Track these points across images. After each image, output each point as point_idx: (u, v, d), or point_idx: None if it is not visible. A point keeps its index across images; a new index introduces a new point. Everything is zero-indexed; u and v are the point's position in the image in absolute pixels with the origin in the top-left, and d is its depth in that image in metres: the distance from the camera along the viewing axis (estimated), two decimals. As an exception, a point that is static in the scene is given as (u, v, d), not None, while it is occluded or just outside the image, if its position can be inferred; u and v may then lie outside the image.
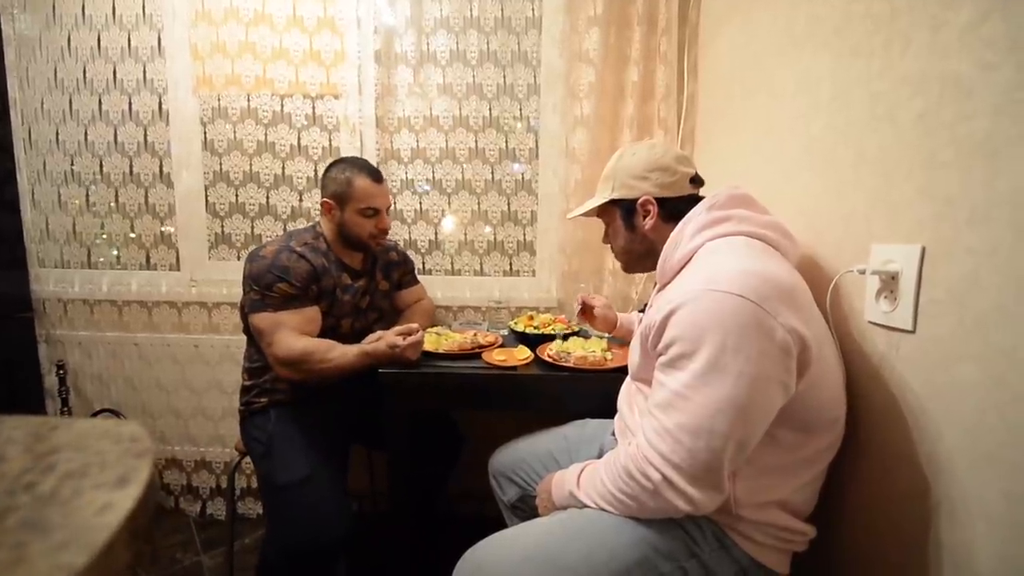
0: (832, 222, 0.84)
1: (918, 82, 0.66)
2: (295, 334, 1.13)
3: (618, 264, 1.53)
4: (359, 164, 1.26)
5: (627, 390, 0.92)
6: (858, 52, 0.78)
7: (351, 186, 1.22)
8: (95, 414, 1.67)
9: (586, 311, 1.26)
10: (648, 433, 0.67)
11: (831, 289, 0.78)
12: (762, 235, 0.75)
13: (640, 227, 0.85)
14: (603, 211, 0.91)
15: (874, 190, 0.74)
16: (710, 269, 0.69)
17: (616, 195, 0.86)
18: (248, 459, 1.29)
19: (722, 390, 0.61)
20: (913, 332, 0.66)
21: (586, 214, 0.96)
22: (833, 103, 0.85)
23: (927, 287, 0.64)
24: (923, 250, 0.64)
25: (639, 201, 0.84)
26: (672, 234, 0.79)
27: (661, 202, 0.83)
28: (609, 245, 0.95)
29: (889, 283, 0.69)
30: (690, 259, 0.76)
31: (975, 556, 0.58)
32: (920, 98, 0.66)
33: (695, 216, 0.78)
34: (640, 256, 0.89)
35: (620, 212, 0.88)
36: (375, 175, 1.25)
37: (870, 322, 0.74)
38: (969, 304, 0.58)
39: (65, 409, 1.65)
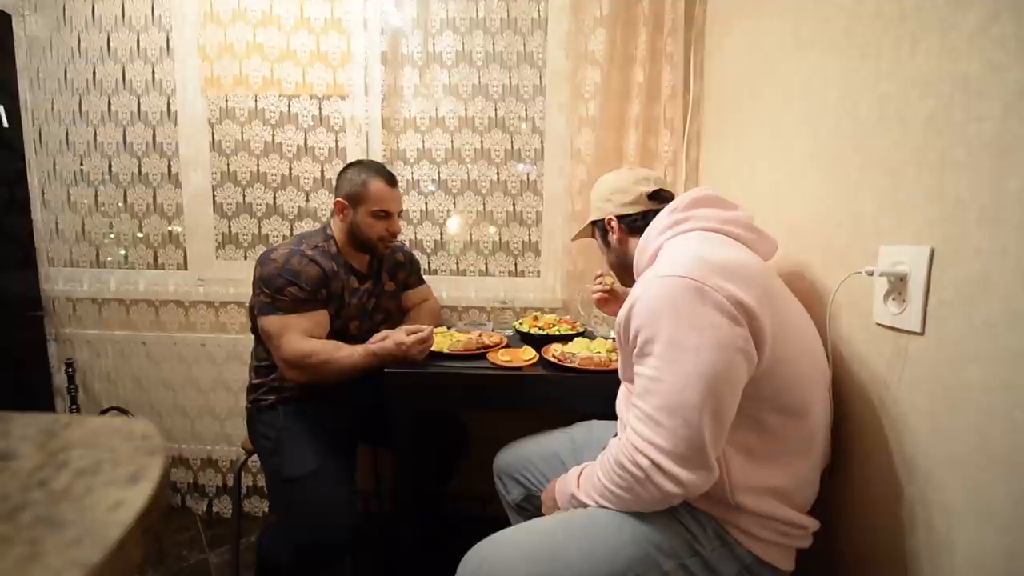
0: (839, 223, 0.84)
1: (927, 83, 0.66)
2: (303, 337, 1.14)
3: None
4: (375, 167, 1.28)
5: (622, 393, 0.94)
6: (867, 54, 0.78)
7: (366, 188, 1.23)
8: (103, 412, 1.68)
9: (609, 289, 1.23)
10: (632, 422, 0.69)
11: (837, 290, 0.77)
12: (723, 229, 0.80)
13: (612, 242, 0.97)
14: (593, 232, 1.05)
15: (882, 192, 0.74)
16: (662, 261, 0.77)
17: (593, 216, 1.01)
18: (254, 457, 1.30)
19: (685, 365, 0.65)
20: (922, 334, 0.66)
21: (587, 236, 1.11)
22: (841, 105, 0.84)
23: (936, 288, 0.64)
24: (932, 251, 0.64)
25: (605, 220, 0.96)
26: (640, 241, 0.88)
27: (621, 219, 0.94)
28: None
29: (897, 285, 0.68)
30: (655, 260, 0.82)
31: (981, 557, 0.58)
32: (929, 99, 0.66)
33: (657, 221, 0.85)
34: (620, 267, 1.00)
35: (598, 232, 1.01)
36: (390, 179, 1.27)
37: (878, 324, 0.74)
38: (978, 306, 0.58)
39: (74, 407, 1.67)
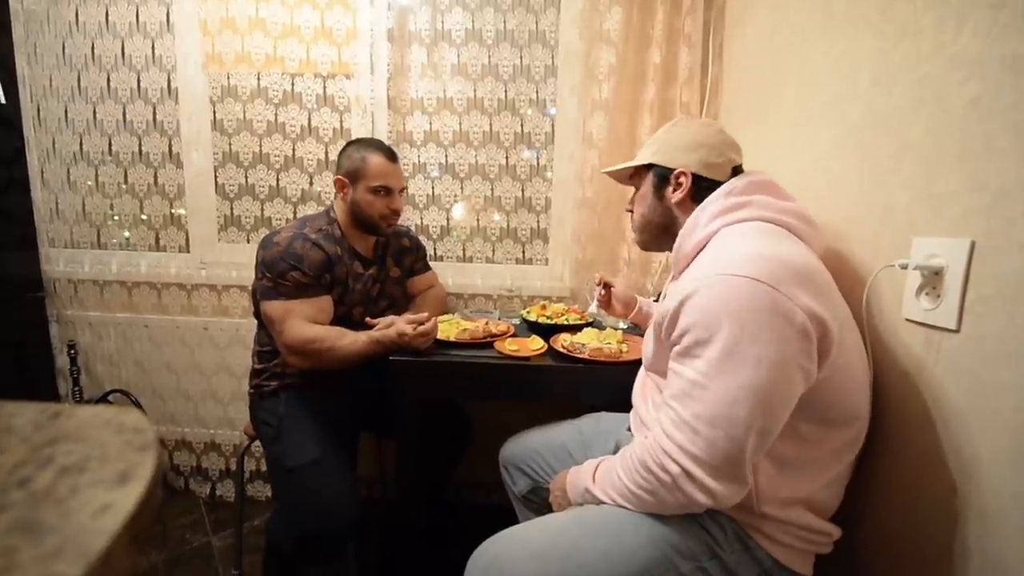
0: (868, 214, 0.80)
1: (973, 64, 0.62)
2: (305, 323, 1.12)
3: (634, 254, 1.52)
4: (375, 143, 1.25)
5: (641, 382, 0.90)
6: (904, 33, 0.74)
7: (364, 163, 1.20)
8: (106, 394, 1.67)
9: (606, 294, 1.22)
10: (665, 425, 0.65)
11: (870, 284, 0.74)
12: (780, 220, 0.73)
13: (667, 198, 0.82)
14: (637, 174, 0.89)
15: (917, 181, 0.70)
16: (724, 254, 0.67)
17: (656, 159, 0.83)
18: (257, 442, 1.29)
19: (740, 377, 0.59)
20: (957, 331, 0.62)
21: (620, 176, 0.93)
22: (874, 88, 0.80)
23: (975, 284, 0.60)
24: (972, 244, 0.60)
25: (675, 172, 0.81)
26: (688, 220, 0.77)
27: (696, 179, 0.79)
28: (631, 214, 0.92)
29: (932, 279, 0.65)
30: (704, 246, 0.75)
31: (1009, 561, 0.56)
32: (974, 81, 0.62)
33: (712, 202, 0.75)
34: (657, 229, 0.85)
35: (653, 179, 0.84)
36: (390, 154, 1.23)
37: (907, 319, 0.71)
38: (1021, 303, 0.55)
39: (77, 389, 1.66)
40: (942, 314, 0.64)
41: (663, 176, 0.83)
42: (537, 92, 1.57)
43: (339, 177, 1.22)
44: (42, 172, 1.62)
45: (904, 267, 0.66)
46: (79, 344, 1.66)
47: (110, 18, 1.55)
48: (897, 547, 0.73)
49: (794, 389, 0.61)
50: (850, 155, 0.86)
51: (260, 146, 1.60)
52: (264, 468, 1.70)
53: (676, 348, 0.66)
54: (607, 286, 1.23)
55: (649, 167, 0.85)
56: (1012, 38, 0.57)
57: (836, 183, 0.89)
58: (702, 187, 0.79)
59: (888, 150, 0.76)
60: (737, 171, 0.81)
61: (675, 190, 0.81)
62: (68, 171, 1.64)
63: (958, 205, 0.63)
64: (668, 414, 0.65)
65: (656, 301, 1.26)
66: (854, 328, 0.71)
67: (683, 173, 0.80)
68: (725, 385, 0.60)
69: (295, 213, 1.64)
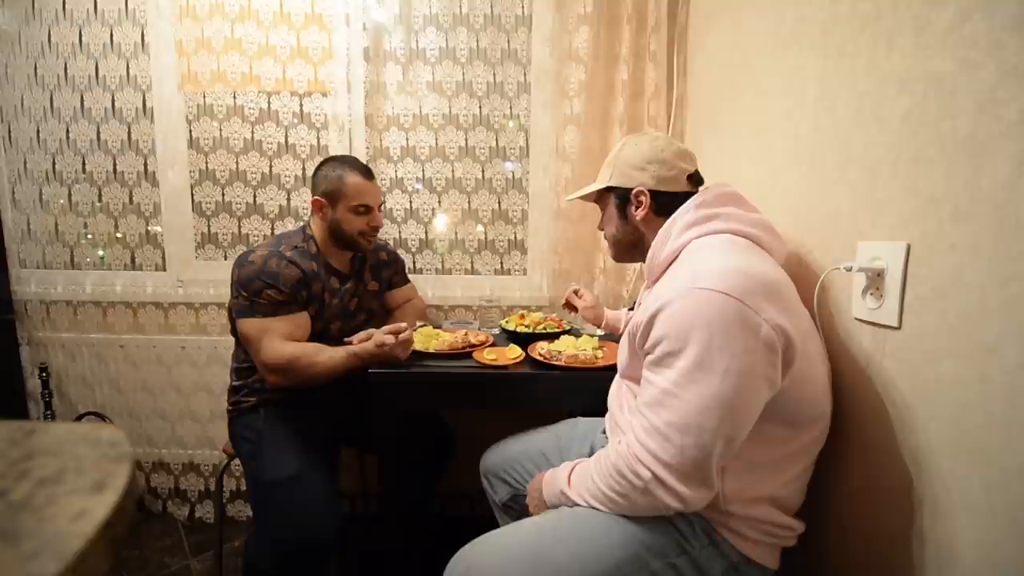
0: (819, 220, 0.85)
1: (903, 81, 0.67)
2: (283, 340, 1.12)
3: (609, 263, 1.56)
4: (350, 161, 1.26)
5: (616, 388, 0.93)
6: (844, 52, 0.79)
7: (343, 183, 1.21)
8: (80, 417, 1.64)
9: (570, 307, 1.31)
10: (638, 431, 0.67)
11: (818, 287, 0.78)
12: (748, 233, 0.76)
13: (632, 217, 0.86)
14: (600, 197, 0.92)
15: (860, 188, 0.75)
16: (695, 267, 0.70)
17: (613, 183, 0.87)
18: (236, 461, 1.28)
19: (709, 387, 0.62)
20: (899, 328, 0.67)
21: (585, 199, 0.97)
22: (820, 103, 0.85)
23: (912, 284, 0.65)
24: (908, 247, 0.65)
25: (633, 191, 0.84)
26: (660, 231, 0.80)
27: (655, 195, 0.83)
28: (603, 233, 0.95)
29: (875, 280, 0.69)
30: (677, 257, 0.78)
31: (957, 546, 0.59)
32: (905, 97, 0.67)
33: (682, 214, 0.78)
34: (628, 246, 0.90)
35: (615, 200, 0.88)
36: (366, 172, 1.25)
37: (856, 319, 0.75)
38: (953, 300, 0.59)
39: (48, 412, 1.62)
40: (885, 313, 0.68)
41: (624, 196, 0.86)
42: (511, 108, 1.61)
43: (317, 198, 1.23)
44: (13, 192, 1.60)
45: (849, 269, 0.71)
46: (51, 366, 1.63)
47: (84, 39, 1.55)
48: (856, 538, 0.76)
49: (759, 397, 0.65)
50: (802, 165, 0.91)
51: (237, 163, 1.61)
52: (244, 487, 1.68)
53: (649, 357, 0.69)
54: (572, 306, 1.31)
55: (609, 190, 0.88)
56: (935, 57, 0.62)
57: (790, 191, 0.94)
58: (662, 201, 0.83)
59: (834, 160, 0.81)
60: (692, 178, 0.84)
61: (637, 208, 0.85)
62: (40, 191, 1.62)
63: (896, 211, 0.68)
64: (640, 421, 0.68)
65: (631, 310, 1.30)
66: (816, 335, 0.75)
67: (641, 192, 0.83)
68: (695, 395, 0.63)
69: (273, 230, 1.64)
